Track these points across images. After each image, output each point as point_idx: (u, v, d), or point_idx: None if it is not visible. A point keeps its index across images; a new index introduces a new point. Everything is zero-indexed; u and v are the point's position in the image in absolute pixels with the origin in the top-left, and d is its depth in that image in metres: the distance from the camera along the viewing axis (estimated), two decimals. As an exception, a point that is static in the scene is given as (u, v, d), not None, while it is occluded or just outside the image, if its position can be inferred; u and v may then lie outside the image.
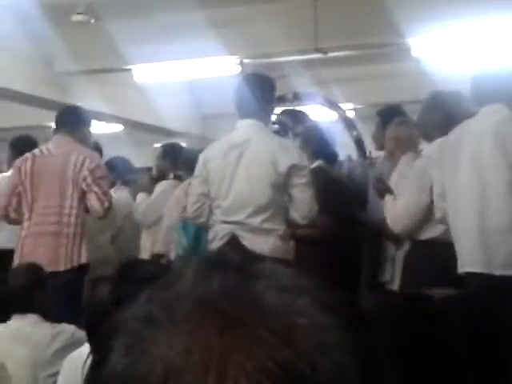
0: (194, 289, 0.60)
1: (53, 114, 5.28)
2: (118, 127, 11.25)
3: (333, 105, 5.14)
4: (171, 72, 8.91)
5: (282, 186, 4.06)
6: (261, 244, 4.01)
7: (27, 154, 4.91)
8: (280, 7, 7.84)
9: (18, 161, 4.93)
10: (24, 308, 3.38)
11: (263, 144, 4.10)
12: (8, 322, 3.39)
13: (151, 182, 6.78)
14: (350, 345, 0.59)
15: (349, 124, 5.05)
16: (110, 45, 7.98)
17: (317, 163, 4.90)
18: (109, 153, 7.46)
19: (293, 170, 4.02)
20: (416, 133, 4.57)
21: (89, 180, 4.63)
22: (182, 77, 9.33)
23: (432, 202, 4.02)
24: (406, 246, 4.33)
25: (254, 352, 0.56)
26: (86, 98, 8.83)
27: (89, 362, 2.06)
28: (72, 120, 4.89)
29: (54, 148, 4.82)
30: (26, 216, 4.75)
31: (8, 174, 5.35)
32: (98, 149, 5.80)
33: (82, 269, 4.64)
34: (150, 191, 6.61)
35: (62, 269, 4.51)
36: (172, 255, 5.48)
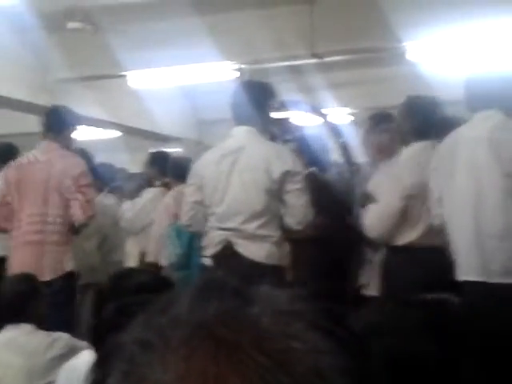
0: (190, 314, 0.60)
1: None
2: (114, 133, 11.25)
3: (318, 111, 5.14)
4: (167, 78, 8.91)
5: (276, 193, 4.05)
6: (256, 250, 4.01)
7: (13, 162, 4.90)
8: (276, 13, 7.84)
9: (5, 170, 4.91)
10: (17, 317, 3.37)
11: (257, 151, 4.09)
12: (1, 332, 3.38)
13: (138, 189, 6.78)
14: (344, 368, 0.59)
15: (334, 130, 5.05)
16: (105, 51, 7.98)
17: (310, 170, 4.91)
18: (104, 159, 7.46)
19: (286, 176, 4.02)
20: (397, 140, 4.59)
21: (72, 188, 4.59)
22: (178, 82, 9.34)
23: (404, 207, 4.06)
24: (383, 251, 4.34)
25: (250, 377, 0.56)
26: (82, 105, 8.83)
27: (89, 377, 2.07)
28: (58, 124, 4.85)
29: (40, 155, 4.80)
30: (15, 225, 4.72)
31: None
32: (85, 155, 5.77)
33: (68, 277, 4.60)
34: (136, 198, 6.62)
35: (47, 278, 4.44)
36: (164, 262, 5.46)
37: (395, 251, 4.16)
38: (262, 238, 4.03)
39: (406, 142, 4.26)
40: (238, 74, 8.48)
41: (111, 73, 8.81)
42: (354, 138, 5.00)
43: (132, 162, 8.28)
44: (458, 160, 3.70)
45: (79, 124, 5.20)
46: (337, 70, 9.47)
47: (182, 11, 7.40)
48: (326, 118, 5.20)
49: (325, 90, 9.37)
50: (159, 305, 0.64)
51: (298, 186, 4.06)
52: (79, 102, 8.65)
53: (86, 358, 2.62)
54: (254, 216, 4.02)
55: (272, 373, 0.56)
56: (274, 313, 0.60)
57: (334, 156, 5.26)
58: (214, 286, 0.64)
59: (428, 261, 3.99)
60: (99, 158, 7.22)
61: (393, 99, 5.29)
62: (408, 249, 4.09)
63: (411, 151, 4.18)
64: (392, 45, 7.70)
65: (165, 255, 5.48)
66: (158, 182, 6.73)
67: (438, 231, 4.00)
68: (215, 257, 4.09)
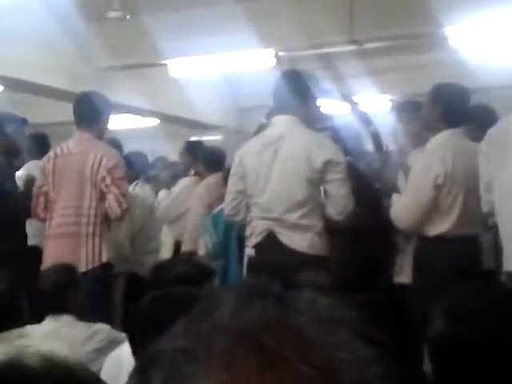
0: (232, 320, 0.59)
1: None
2: (154, 121, 11.31)
3: (349, 99, 5.09)
4: (206, 65, 8.91)
5: (317, 182, 4.03)
6: (298, 240, 4.00)
7: (50, 153, 4.88)
8: (315, -1, 7.81)
9: (43, 160, 4.91)
10: (57, 309, 3.38)
11: (298, 140, 4.07)
12: (42, 323, 3.40)
13: (174, 178, 6.80)
14: (389, 377, 0.58)
15: (364, 118, 5.00)
16: (145, 40, 8.02)
17: (346, 158, 4.88)
18: (144, 147, 7.51)
19: (328, 165, 4.00)
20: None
21: (108, 181, 4.55)
22: (217, 70, 9.34)
23: (435, 196, 4.02)
24: (415, 241, 4.31)
25: (300, 379, 0.55)
26: (122, 93, 8.90)
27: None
28: (90, 114, 4.75)
29: (74, 146, 4.75)
30: (48, 216, 4.73)
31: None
32: (117, 145, 5.76)
33: (104, 268, 4.60)
34: (171, 187, 6.64)
35: (83, 269, 4.43)
36: (201, 252, 5.47)
37: (426, 241, 4.12)
38: (305, 227, 4.01)
39: (433, 130, 4.21)
40: (276, 61, 8.45)
41: (152, 61, 8.85)
42: (394, 125, 4.95)
43: (172, 151, 8.30)
44: (511, 147, 3.61)
45: (112, 112, 5.09)
46: (376, 56, 9.40)
47: (221, -2, 7.40)
48: (357, 106, 5.16)
49: (364, 77, 9.31)
50: (200, 309, 0.63)
51: (339, 175, 4.03)
52: (120, 91, 8.71)
53: (129, 348, 2.64)
54: (296, 206, 4.01)
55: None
56: (318, 321, 0.59)
57: (366, 145, 5.23)
58: (257, 291, 0.62)
59: (459, 250, 3.97)
60: (139, 146, 7.27)
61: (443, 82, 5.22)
62: (439, 239, 4.05)
63: (440, 139, 4.13)
64: (433, 30, 7.61)
65: (201, 244, 5.48)
66: (192, 171, 6.74)
67: (479, 220, 3.96)
68: (257, 246, 4.08)
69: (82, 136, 4.74)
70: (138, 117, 10.91)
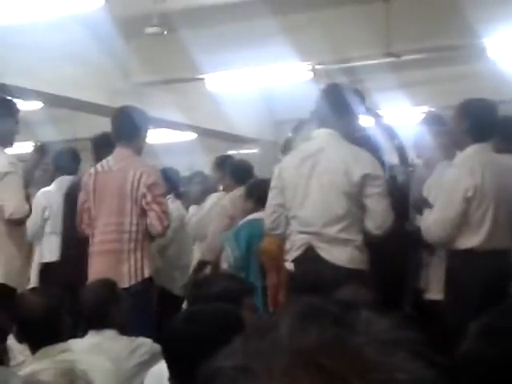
0: (291, 340, 0.59)
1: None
2: (192, 135, 11.37)
3: (373, 112, 5.08)
4: (243, 79, 8.96)
5: (356, 196, 4.02)
6: (338, 254, 3.99)
7: (91, 170, 4.88)
8: (351, 12, 7.80)
9: (85, 177, 4.94)
10: (100, 323, 3.42)
11: (336, 153, 4.07)
12: (85, 337, 3.44)
13: (204, 194, 6.78)
14: None
15: (390, 131, 4.99)
16: (183, 55, 8.08)
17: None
18: (182, 161, 7.55)
19: (366, 179, 3.99)
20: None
21: (148, 198, 4.55)
22: (254, 84, 9.38)
23: (465, 209, 4.02)
24: (440, 255, 4.32)
25: None
26: (160, 108, 8.98)
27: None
28: (129, 130, 4.72)
29: (114, 163, 4.74)
30: (90, 233, 4.75)
31: None
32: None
33: (146, 282, 4.62)
34: (201, 203, 6.62)
35: (126, 285, 4.45)
36: (224, 266, 5.47)
37: (457, 255, 4.11)
38: (344, 241, 4.01)
39: (460, 144, 4.22)
40: (313, 74, 8.46)
41: (189, 76, 8.91)
42: (418, 138, 4.94)
43: (209, 165, 8.34)
44: None
45: (150, 126, 5.08)
46: (413, 68, 9.36)
47: (257, 12, 7.43)
48: (381, 118, 5.15)
49: (401, 89, 9.27)
50: (257, 329, 0.64)
51: (378, 189, 4.03)
52: (157, 106, 8.79)
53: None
54: (335, 219, 4.01)
55: None
56: (376, 342, 0.59)
57: (388, 158, 5.22)
58: (314, 312, 0.63)
59: (491, 264, 3.97)
60: (176, 161, 7.32)
61: (472, 97, 5.21)
62: (470, 253, 4.04)
63: (468, 153, 4.13)
64: (471, 41, 7.56)
65: (224, 258, 5.48)
66: (221, 186, 6.71)
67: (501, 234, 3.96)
68: (297, 260, 4.08)
69: (122, 152, 4.74)
70: (176, 131, 10.98)
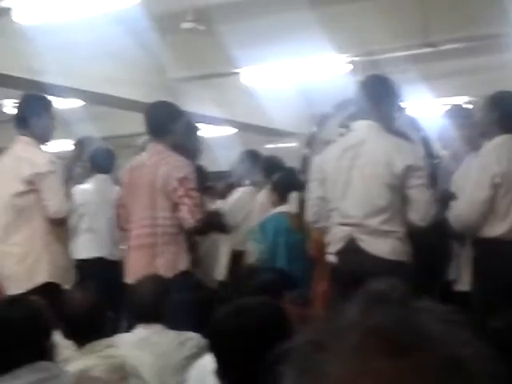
0: (361, 319, 0.63)
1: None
2: (230, 130, 11.38)
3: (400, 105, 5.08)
4: (280, 73, 8.93)
5: (398, 187, 4.00)
6: (379, 246, 3.97)
7: (127, 166, 4.93)
8: (388, 3, 7.74)
9: (122, 173, 5.01)
10: (150, 318, 3.44)
11: (378, 145, 4.05)
12: (134, 331, 3.47)
13: (229, 188, 6.78)
14: (506, 374, 0.63)
15: (414, 124, 4.95)
16: (219, 49, 8.08)
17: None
18: (221, 156, 7.56)
19: (409, 170, 3.97)
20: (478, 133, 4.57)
21: (180, 192, 4.56)
22: (290, 77, 9.35)
23: (493, 196, 4.05)
24: (470, 247, 4.33)
25: (426, 377, 0.59)
26: (197, 103, 8.99)
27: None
28: (161, 125, 4.74)
29: (148, 158, 4.78)
30: (126, 227, 4.80)
31: None
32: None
33: (183, 276, 4.62)
34: (226, 197, 6.62)
35: None
36: (251, 259, 5.47)
37: (483, 244, 4.12)
38: (386, 233, 3.98)
39: (488, 134, 4.27)
40: (351, 66, 8.41)
41: (225, 70, 8.91)
42: (442, 130, 4.90)
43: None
44: None
45: (183, 119, 5.06)
46: (452, 58, 9.25)
47: (293, 5, 7.39)
48: (405, 111, 5.12)
49: (439, 80, 9.19)
50: (325, 316, 0.68)
51: (421, 181, 4.01)
52: (194, 101, 8.81)
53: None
54: (377, 211, 3.98)
55: (447, 376, 0.59)
56: (441, 321, 0.63)
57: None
58: (379, 297, 0.66)
59: None
60: (215, 156, 7.32)
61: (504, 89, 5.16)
62: (496, 241, 4.06)
63: (495, 143, 4.17)
64: (509, 30, 7.45)
65: (251, 252, 5.48)
66: (247, 181, 6.71)
67: None
68: (339, 253, 4.07)
69: (156, 147, 4.77)
70: (214, 126, 11.01)
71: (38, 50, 7.39)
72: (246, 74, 8.97)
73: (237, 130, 11.37)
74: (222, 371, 2.23)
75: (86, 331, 3.08)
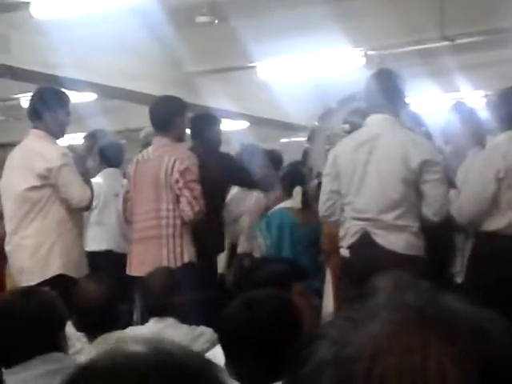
0: (390, 301, 0.69)
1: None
2: (244, 124, 11.37)
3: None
4: (295, 66, 8.91)
5: (413, 182, 3.98)
6: (394, 241, 3.96)
7: (134, 159, 4.98)
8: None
9: (128, 167, 5.04)
10: (164, 311, 3.44)
11: (394, 139, 4.03)
12: (146, 325, 3.47)
13: None
14: None
15: (416, 119, 4.93)
16: (233, 43, 8.07)
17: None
18: (235, 149, 7.54)
19: (425, 165, 3.94)
20: (481, 128, 4.59)
21: (180, 184, 4.60)
22: (305, 71, 9.33)
23: (497, 190, 4.05)
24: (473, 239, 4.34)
25: (454, 341, 0.63)
26: (212, 97, 8.99)
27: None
28: (164, 119, 4.79)
29: (152, 151, 4.83)
30: (132, 221, 4.83)
31: None
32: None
33: (187, 268, 4.62)
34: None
35: None
36: (256, 254, 5.47)
37: (484, 237, 4.12)
38: (400, 227, 3.97)
39: (495, 130, 4.28)
40: (365, 60, 8.38)
41: (240, 64, 8.90)
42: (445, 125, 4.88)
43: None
44: None
45: (188, 112, 5.11)
46: (468, 51, 9.19)
47: (308, -1, 7.38)
48: (407, 106, 5.13)
49: (456, 73, 9.13)
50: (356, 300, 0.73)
51: (436, 175, 3.99)
52: (209, 95, 8.81)
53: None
54: (392, 206, 3.97)
55: (472, 343, 0.64)
56: (465, 303, 0.68)
57: None
58: (406, 283, 0.73)
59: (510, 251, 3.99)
60: (229, 149, 7.31)
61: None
62: (497, 235, 4.06)
63: (501, 139, 4.17)
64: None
65: (256, 247, 5.48)
66: None
67: None
68: (352, 247, 4.06)
69: (161, 141, 4.82)
70: (228, 120, 11.00)
71: (54, 44, 7.42)
72: (261, 67, 8.95)
73: (251, 124, 11.35)
74: (233, 364, 2.22)
75: (99, 323, 3.08)
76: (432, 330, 0.64)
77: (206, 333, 3.46)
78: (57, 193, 4.56)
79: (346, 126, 5.17)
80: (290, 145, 11.04)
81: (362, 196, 4.02)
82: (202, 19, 7.40)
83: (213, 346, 3.16)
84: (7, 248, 4.71)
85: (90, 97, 9.49)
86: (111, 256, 5.79)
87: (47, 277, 4.42)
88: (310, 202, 5.31)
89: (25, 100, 9.41)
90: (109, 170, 6.09)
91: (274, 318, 2.19)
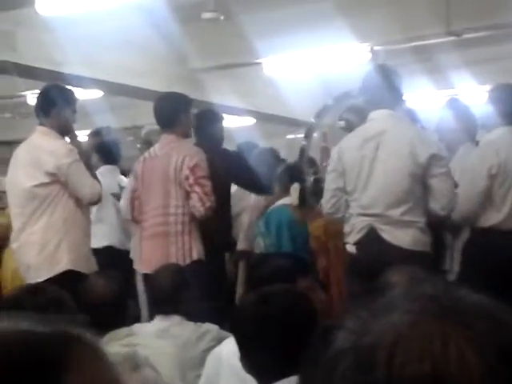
0: (407, 293, 0.71)
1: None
2: (250, 120, 11.37)
3: None
4: (301, 62, 8.91)
5: (420, 177, 3.97)
6: (401, 236, 3.95)
7: (140, 157, 4.97)
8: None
9: (135, 164, 5.03)
10: (170, 308, 3.44)
11: (400, 134, 4.02)
12: (152, 322, 3.47)
13: None
14: None
15: (412, 116, 4.93)
16: (239, 39, 8.07)
17: None
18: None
19: (432, 159, 3.94)
20: (474, 124, 4.64)
21: (191, 180, 4.59)
22: (311, 66, 9.32)
23: (490, 186, 4.10)
24: (466, 235, 4.34)
25: (472, 328, 0.66)
26: (218, 93, 8.99)
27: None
28: (169, 117, 4.79)
29: (159, 149, 4.82)
30: (141, 219, 4.83)
31: None
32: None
33: (196, 265, 4.62)
34: None
35: None
36: (255, 252, 5.47)
37: (478, 233, 4.16)
38: (408, 223, 3.97)
39: (490, 126, 4.33)
40: (371, 56, 8.37)
41: (246, 60, 8.90)
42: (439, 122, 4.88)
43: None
44: None
45: (192, 108, 5.10)
46: (474, 46, 9.18)
47: (313, -5, 7.38)
48: (403, 102, 5.13)
49: (462, 69, 9.11)
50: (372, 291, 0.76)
51: (443, 169, 3.98)
52: (215, 91, 8.81)
53: (230, 345, 2.66)
54: (399, 201, 3.96)
55: (487, 332, 0.66)
56: (477, 295, 0.71)
57: None
58: (420, 278, 0.75)
59: (508, 245, 4.02)
60: (235, 146, 7.31)
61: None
62: (492, 231, 4.10)
63: (495, 135, 4.21)
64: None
65: (256, 245, 5.48)
66: None
67: None
68: (359, 243, 4.05)
69: (167, 138, 4.81)
70: (234, 116, 11.00)
71: (60, 41, 7.42)
72: (267, 64, 8.95)
73: (257, 121, 11.35)
74: (248, 358, 2.23)
75: (108, 319, 3.08)
76: (450, 318, 0.66)
77: (212, 330, 3.45)
78: (65, 189, 4.56)
79: (342, 123, 5.18)
80: (296, 141, 11.03)
81: (369, 192, 4.01)
82: (207, 15, 7.38)
83: (219, 343, 3.17)
84: (14, 245, 4.72)
85: (96, 94, 9.50)
86: (112, 252, 5.80)
87: (55, 273, 4.43)
88: (307, 198, 5.32)
89: (31, 97, 9.44)
90: (107, 167, 6.10)
91: (290, 312, 2.20)
